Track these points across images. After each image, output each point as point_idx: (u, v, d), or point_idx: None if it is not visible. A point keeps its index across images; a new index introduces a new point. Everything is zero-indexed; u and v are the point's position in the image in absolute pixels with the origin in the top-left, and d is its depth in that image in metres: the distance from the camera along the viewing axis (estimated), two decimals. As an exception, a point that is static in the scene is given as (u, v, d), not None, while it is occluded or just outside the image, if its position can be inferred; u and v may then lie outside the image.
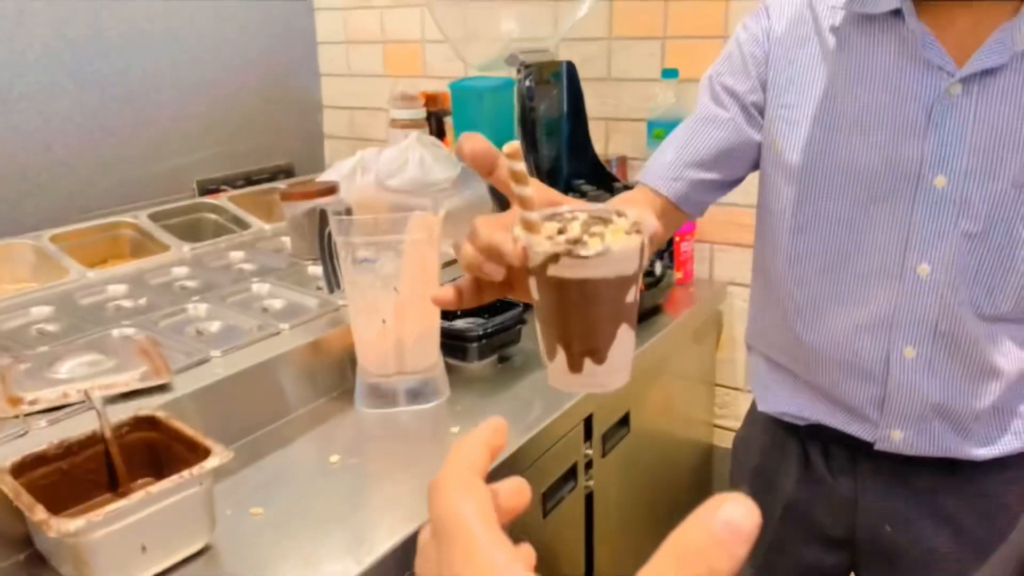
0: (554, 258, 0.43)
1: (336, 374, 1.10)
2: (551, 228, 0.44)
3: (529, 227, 0.44)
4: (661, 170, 0.88)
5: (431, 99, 1.74)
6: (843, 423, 0.87)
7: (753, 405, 1.02)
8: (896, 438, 0.84)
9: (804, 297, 0.86)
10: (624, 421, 1.22)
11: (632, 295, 0.45)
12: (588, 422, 1.12)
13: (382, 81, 1.90)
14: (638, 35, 1.54)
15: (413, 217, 0.99)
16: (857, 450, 0.88)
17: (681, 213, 0.89)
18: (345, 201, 1.35)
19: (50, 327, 1.12)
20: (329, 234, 1.06)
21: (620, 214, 0.45)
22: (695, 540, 0.26)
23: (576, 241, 0.43)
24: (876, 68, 0.78)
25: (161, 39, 1.64)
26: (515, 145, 0.43)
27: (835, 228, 0.82)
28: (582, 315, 0.45)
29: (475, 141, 0.47)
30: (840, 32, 0.80)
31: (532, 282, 0.45)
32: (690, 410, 1.53)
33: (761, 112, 0.86)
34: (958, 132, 0.74)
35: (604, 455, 1.17)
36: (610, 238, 0.43)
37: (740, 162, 0.88)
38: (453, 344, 1.14)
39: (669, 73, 1.47)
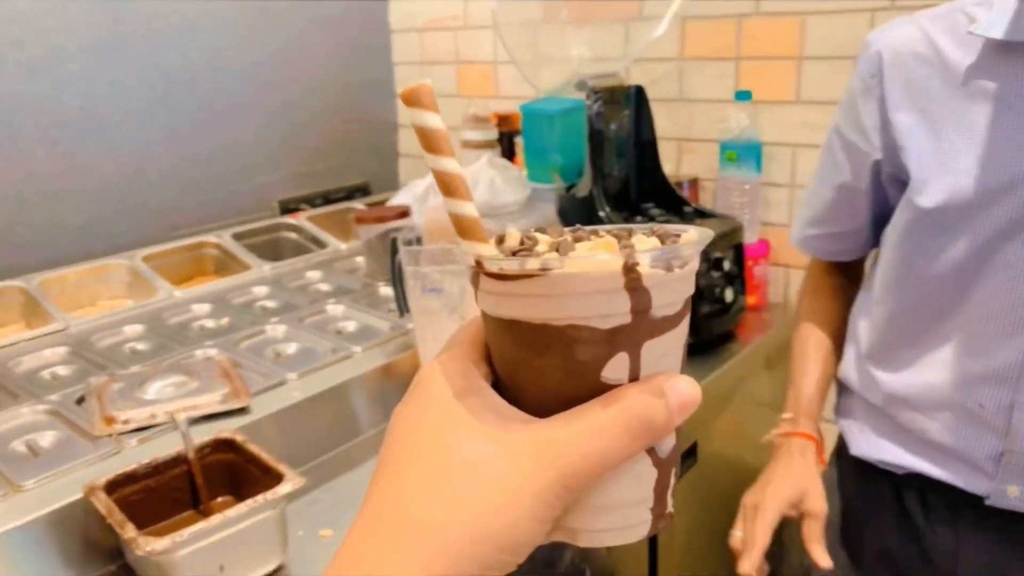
0: (475, 279, 0.31)
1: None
2: (512, 239, 0.31)
3: (465, 229, 0.31)
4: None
5: (503, 119, 1.77)
6: (952, 476, 0.83)
7: (841, 444, 1.00)
8: (1012, 494, 0.80)
9: (926, 342, 0.83)
10: (691, 451, 1.22)
11: (617, 370, 0.30)
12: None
13: (456, 101, 1.94)
14: (710, 56, 1.53)
15: (481, 247, 1.01)
16: (960, 501, 0.84)
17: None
18: (416, 228, 1.38)
19: (140, 346, 1.19)
20: (399, 261, 1.09)
21: (662, 235, 0.32)
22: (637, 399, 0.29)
23: (516, 253, 0.30)
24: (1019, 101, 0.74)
25: (245, 66, 1.71)
26: (423, 87, 0.30)
27: (963, 269, 0.79)
28: (523, 388, 0.31)
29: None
30: (976, 66, 0.76)
31: None
32: (762, 438, 1.50)
33: (887, 160, 0.86)
34: None
35: (669, 484, 1.17)
36: (578, 253, 0.29)
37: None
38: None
39: (742, 95, 1.45)
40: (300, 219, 1.71)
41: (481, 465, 0.28)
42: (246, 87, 1.72)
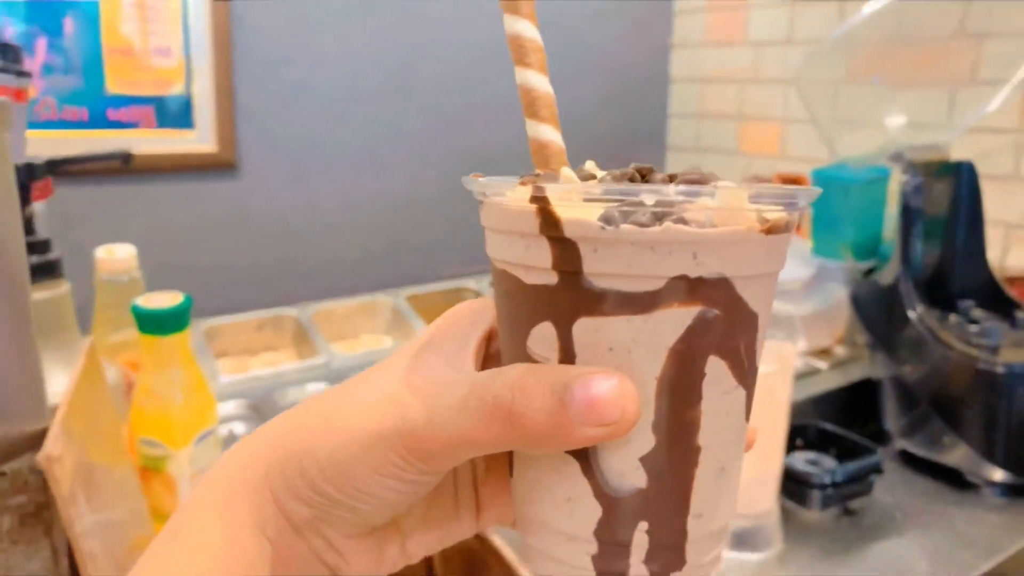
0: None
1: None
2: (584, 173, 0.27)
3: (543, 158, 0.27)
4: None
5: (787, 183, 1.60)
6: None
7: None
8: None
9: None
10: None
11: (541, 343, 0.24)
12: (959, 621, 0.90)
13: (733, 159, 1.80)
14: (1064, 129, 1.26)
15: (765, 347, 0.88)
16: None
17: None
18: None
19: (394, 392, 1.19)
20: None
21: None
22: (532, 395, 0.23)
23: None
24: None
25: (519, 114, 1.71)
26: None
27: None
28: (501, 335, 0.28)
29: None
30: None
31: None
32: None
33: None
34: None
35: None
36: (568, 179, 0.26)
37: None
38: (791, 486, 0.99)
39: (1108, 180, 1.17)
40: (557, 271, 1.66)
41: (360, 394, 0.27)
42: (516, 134, 1.71)
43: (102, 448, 0.65)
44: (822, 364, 1.26)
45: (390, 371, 0.27)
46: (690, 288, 0.23)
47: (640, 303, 0.22)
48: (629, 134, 1.91)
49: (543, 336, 0.24)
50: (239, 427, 1.05)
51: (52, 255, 0.63)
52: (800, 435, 1.08)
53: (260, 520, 0.26)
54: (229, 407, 1.08)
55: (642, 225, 0.22)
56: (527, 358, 0.25)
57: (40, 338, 0.64)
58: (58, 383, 0.63)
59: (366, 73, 1.49)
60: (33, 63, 1.13)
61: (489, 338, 0.29)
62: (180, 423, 0.76)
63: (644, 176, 0.25)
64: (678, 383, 0.23)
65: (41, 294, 0.63)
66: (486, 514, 0.31)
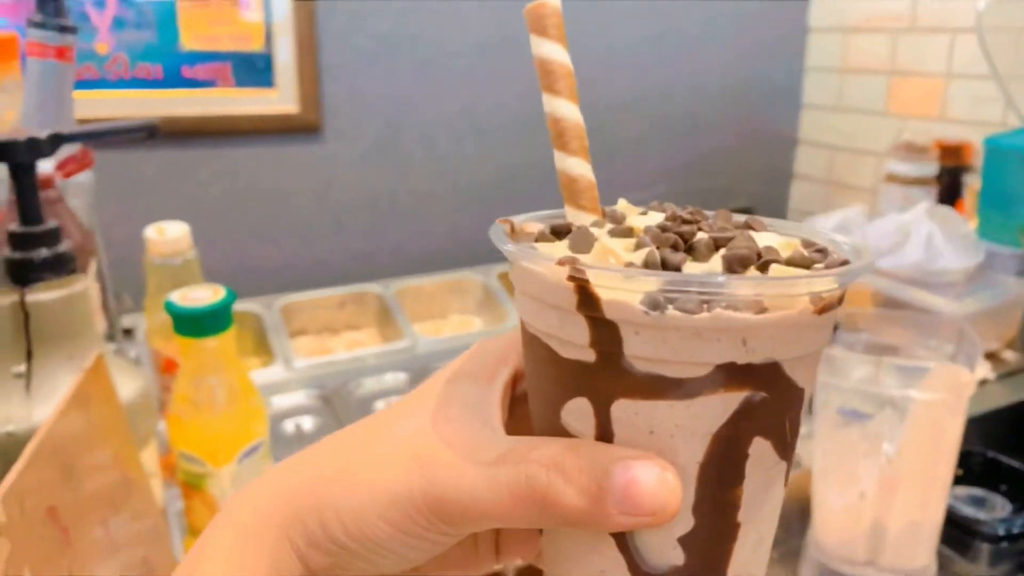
0: None
1: (779, 532, 0.85)
2: (617, 214, 0.27)
3: (572, 192, 0.26)
4: None
5: (948, 151, 1.36)
6: None
7: None
8: None
9: None
10: None
11: (577, 417, 0.23)
12: None
13: (880, 120, 1.56)
14: None
15: (933, 371, 0.70)
16: None
17: None
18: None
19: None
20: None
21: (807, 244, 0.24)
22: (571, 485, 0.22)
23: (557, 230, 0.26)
24: None
25: (639, 68, 1.53)
26: (549, 7, 0.24)
27: None
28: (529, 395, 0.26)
29: None
30: None
31: None
32: None
33: None
34: None
35: None
36: (604, 246, 0.23)
37: None
38: (952, 532, 0.81)
39: None
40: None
41: (382, 443, 0.26)
42: (634, 89, 1.53)
43: (125, 464, 0.56)
44: (988, 373, 1.05)
45: (413, 417, 0.26)
46: (738, 374, 0.21)
47: (684, 389, 0.21)
48: (761, 91, 1.69)
49: (578, 410, 0.23)
50: (307, 422, 0.96)
51: (62, 247, 0.53)
52: (961, 464, 0.89)
53: (276, 564, 0.26)
54: (299, 397, 0.99)
55: (688, 311, 0.20)
56: (560, 429, 0.24)
57: (49, 346, 0.55)
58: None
59: (464, 24, 1.35)
60: (103, 17, 1.05)
61: (515, 379, 0.28)
62: (222, 437, 0.67)
63: (688, 224, 0.23)
64: (721, 466, 0.23)
65: (48, 294, 0.53)
66: (507, 552, 0.30)
